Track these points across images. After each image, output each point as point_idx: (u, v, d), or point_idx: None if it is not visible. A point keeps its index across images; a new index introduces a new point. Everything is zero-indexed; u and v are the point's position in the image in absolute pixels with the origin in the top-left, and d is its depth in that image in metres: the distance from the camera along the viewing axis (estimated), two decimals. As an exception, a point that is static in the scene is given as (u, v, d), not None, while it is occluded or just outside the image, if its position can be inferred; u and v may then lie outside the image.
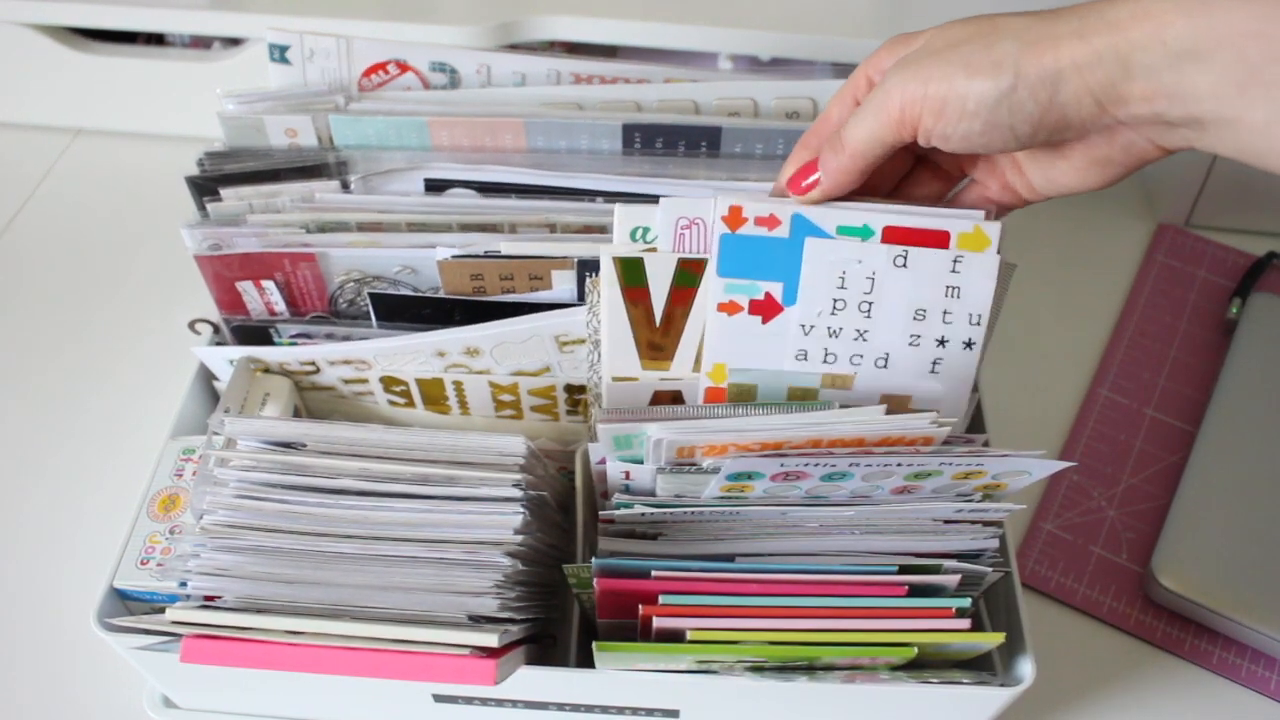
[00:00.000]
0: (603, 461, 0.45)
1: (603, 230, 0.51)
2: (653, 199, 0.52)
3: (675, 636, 0.43)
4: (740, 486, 0.43)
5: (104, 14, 0.78)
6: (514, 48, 0.75)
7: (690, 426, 0.42)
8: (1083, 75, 0.35)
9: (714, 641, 0.43)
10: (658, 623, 0.43)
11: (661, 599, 0.43)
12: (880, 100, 0.39)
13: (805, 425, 0.41)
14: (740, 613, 0.43)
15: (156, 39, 0.84)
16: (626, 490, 0.46)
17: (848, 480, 0.42)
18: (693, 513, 0.44)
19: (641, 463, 0.44)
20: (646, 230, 0.44)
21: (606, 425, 0.43)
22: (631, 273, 0.44)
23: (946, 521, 0.45)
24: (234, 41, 0.81)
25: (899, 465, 0.41)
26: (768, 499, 0.44)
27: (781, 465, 0.41)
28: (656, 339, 0.46)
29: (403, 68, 0.57)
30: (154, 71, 0.82)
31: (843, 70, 0.76)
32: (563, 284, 0.50)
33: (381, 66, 0.57)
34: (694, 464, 0.43)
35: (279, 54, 0.56)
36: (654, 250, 0.44)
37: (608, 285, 0.44)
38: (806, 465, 0.41)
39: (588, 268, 0.49)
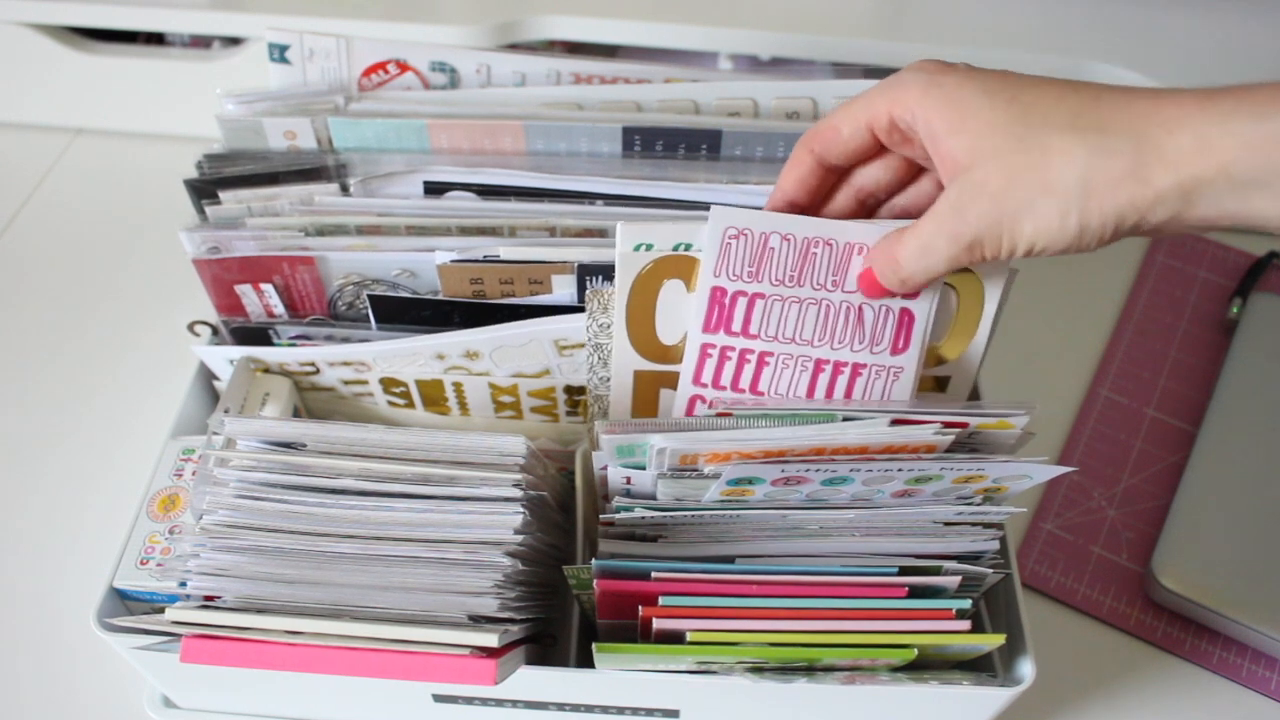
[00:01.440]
0: (604, 467, 0.45)
1: (603, 234, 0.51)
2: (653, 202, 0.52)
3: (675, 638, 0.43)
4: (741, 491, 0.43)
5: (104, 14, 0.78)
6: (514, 48, 0.75)
7: (694, 437, 0.41)
8: (1143, 214, 0.36)
9: (714, 643, 0.43)
10: (658, 624, 0.43)
11: (661, 600, 0.43)
12: (948, 240, 0.39)
13: (809, 436, 0.41)
14: (740, 614, 0.43)
15: (156, 39, 0.84)
16: (627, 494, 0.46)
17: (848, 485, 0.42)
18: (693, 516, 0.44)
19: (644, 469, 0.44)
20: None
21: (610, 436, 0.42)
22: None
23: (947, 524, 0.45)
24: (234, 41, 0.81)
25: (900, 470, 0.41)
26: (768, 503, 0.44)
27: (782, 470, 0.41)
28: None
29: (403, 67, 0.57)
30: (154, 71, 0.81)
31: (843, 70, 0.76)
32: (562, 288, 0.50)
33: (381, 66, 0.57)
34: (696, 470, 0.43)
35: (279, 54, 0.56)
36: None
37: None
38: (807, 470, 0.41)
39: (588, 272, 0.48)
